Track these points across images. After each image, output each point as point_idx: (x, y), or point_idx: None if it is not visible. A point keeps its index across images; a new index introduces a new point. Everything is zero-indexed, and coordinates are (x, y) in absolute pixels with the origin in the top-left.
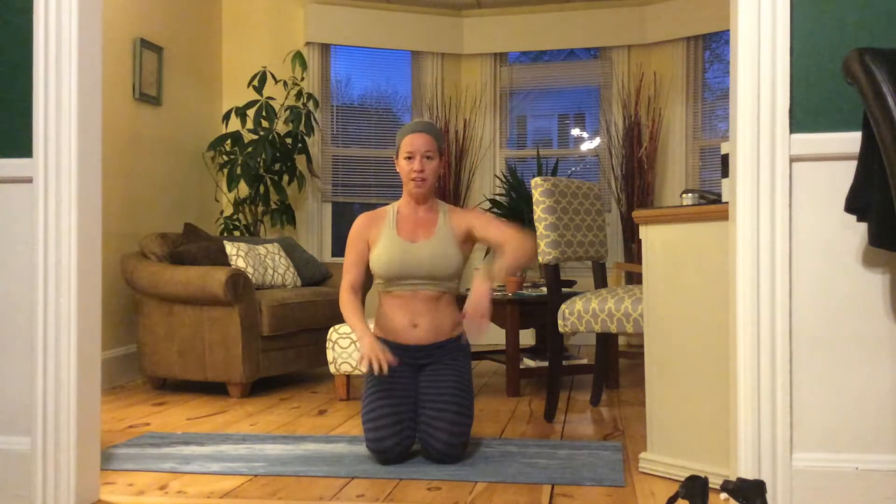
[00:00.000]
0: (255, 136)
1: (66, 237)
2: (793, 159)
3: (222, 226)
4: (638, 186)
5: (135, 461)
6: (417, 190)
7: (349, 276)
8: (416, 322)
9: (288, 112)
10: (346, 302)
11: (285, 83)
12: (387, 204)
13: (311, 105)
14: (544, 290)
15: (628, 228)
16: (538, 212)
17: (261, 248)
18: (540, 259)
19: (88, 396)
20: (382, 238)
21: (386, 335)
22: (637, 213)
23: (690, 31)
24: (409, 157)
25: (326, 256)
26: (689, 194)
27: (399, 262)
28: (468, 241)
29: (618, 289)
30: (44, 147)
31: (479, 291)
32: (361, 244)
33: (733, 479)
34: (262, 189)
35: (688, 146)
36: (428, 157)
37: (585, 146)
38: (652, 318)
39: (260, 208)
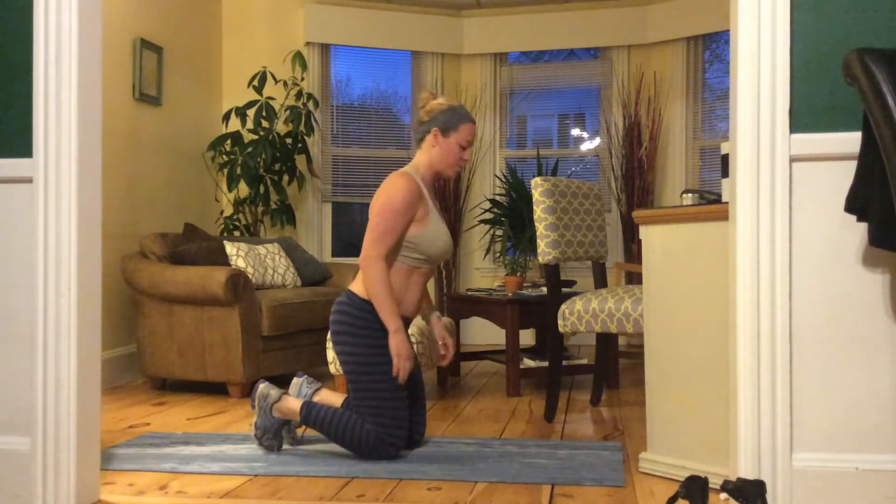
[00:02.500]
0: (255, 136)
1: (66, 237)
2: (793, 159)
3: (222, 226)
4: (638, 186)
5: (135, 461)
6: (451, 175)
7: (386, 244)
8: (420, 298)
9: (288, 112)
10: (384, 277)
11: (285, 83)
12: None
13: (311, 105)
14: (544, 290)
15: (628, 228)
16: (538, 212)
17: (261, 248)
18: (540, 259)
19: (88, 396)
20: (433, 215)
21: None
22: (637, 213)
23: (690, 31)
24: (465, 147)
25: (326, 256)
26: (689, 194)
27: (450, 245)
28: None
29: (618, 289)
30: (44, 147)
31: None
32: (411, 215)
33: (733, 479)
34: (262, 189)
35: (688, 146)
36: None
37: (585, 146)
38: (652, 318)
39: (260, 208)
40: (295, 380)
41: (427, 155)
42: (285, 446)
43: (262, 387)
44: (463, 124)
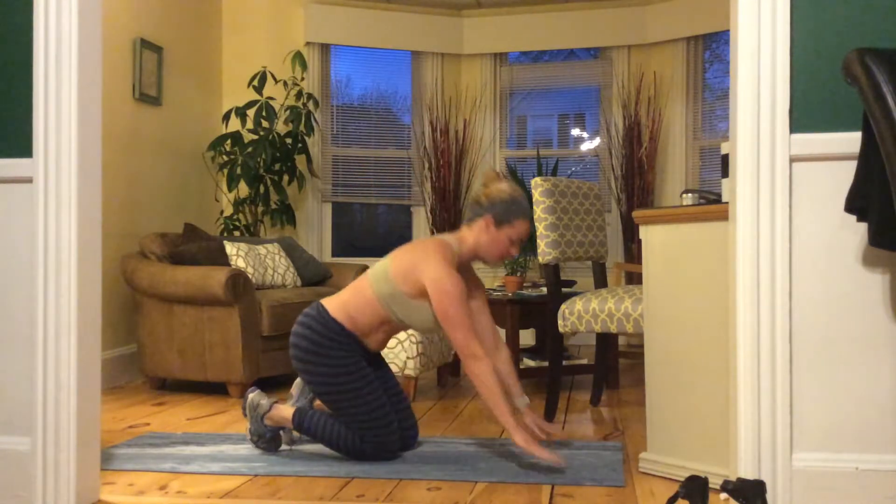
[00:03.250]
0: (255, 136)
1: (66, 237)
2: (793, 159)
3: (222, 226)
4: (638, 186)
5: (135, 461)
6: (492, 264)
7: (474, 334)
8: (386, 339)
9: (288, 112)
10: (492, 376)
11: (285, 83)
12: (386, 203)
13: (311, 105)
14: (544, 290)
15: (628, 228)
16: (538, 212)
17: (261, 248)
18: (540, 259)
19: (88, 396)
20: None
21: (357, 332)
22: (637, 213)
23: (690, 31)
24: (515, 242)
25: (326, 256)
26: (689, 194)
27: (434, 331)
28: None
29: (618, 289)
30: (44, 147)
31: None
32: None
33: (733, 479)
34: (262, 189)
35: (688, 146)
36: None
37: (585, 146)
38: (652, 318)
39: (260, 208)
40: (298, 380)
41: (474, 238)
42: (283, 447)
43: (253, 396)
44: (519, 220)
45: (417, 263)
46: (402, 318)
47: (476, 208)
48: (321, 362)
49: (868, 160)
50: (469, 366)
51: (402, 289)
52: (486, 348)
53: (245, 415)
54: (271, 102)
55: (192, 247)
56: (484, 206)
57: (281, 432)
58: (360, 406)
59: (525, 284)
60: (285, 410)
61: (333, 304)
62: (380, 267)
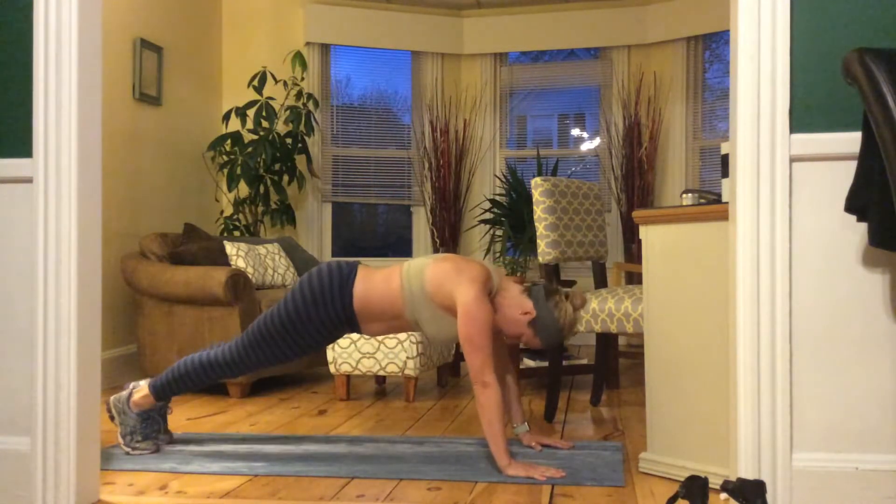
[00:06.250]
0: (255, 136)
1: (66, 237)
2: (793, 159)
3: (222, 226)
4: (638, 186)
5: (135, 461)
6: (505, 338)
7: (492, 364)
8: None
9: (288, 112)
10: (500, 407)
11: (285, 83)
12: (386, 203)
13: (311, 105)
14: None
15: (628, 228)
16: (538, 212)
17: (261, 248)
18: (540, 259)
19: (88, 396)
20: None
21: (360, 315)
22: (637, 213)
23: (690, 31)
24: (521, 340)
25: (326, 256)
26: (689, 194)
27: (448, 344)
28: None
29: (618, 289)
30: (44, 147)
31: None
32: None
33: (733, 479)
34: (262, 189)
35: (688, 146)
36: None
37: (585, 146)
38: (652, 318)
39: (260, 208)
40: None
41: (511, 305)
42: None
43: (112, 397)
44: (539, 337)
45: (455, 280)
46: (417, 320)
47: (539, 296)
48: (307, 313)
49: (868, 160)
50: (478, 392)
51: (430, 293)
52: (496, 367)
53: (112, 419)
54: (271, 102)
55: (192, 247)
56: (544, 305)
57: (159, 441)
58: (277, 346)
59: (525, 285)
60: (142, 388)
61: (361, 288)
62: (417, 265)
